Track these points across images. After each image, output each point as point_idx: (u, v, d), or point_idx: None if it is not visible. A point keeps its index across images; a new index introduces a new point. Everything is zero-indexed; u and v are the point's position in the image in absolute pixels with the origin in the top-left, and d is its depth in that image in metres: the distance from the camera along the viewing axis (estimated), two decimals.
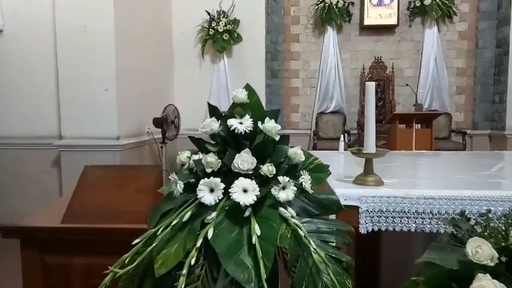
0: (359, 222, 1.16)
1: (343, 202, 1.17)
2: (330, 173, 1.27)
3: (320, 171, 1.24)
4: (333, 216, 1.17)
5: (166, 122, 4.21)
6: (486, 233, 0.89)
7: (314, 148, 5.51)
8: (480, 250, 0.84)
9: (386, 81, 5.88)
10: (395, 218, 1.16)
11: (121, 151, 3.61)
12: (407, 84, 5.27)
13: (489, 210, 1.01)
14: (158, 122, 4.12)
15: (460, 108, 6.05)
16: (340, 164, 1.38)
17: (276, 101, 6.05)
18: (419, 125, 4.58)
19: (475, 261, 0.84)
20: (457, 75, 6.04)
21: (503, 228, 0.90)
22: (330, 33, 5.90)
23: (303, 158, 1.12)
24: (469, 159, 2.25)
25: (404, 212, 1.15)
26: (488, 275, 0.80)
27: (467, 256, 0.86)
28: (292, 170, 1.12)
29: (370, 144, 1.29)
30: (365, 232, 1.16)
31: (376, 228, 1.16)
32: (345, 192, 1.17)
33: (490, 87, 5.90)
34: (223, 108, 6.22)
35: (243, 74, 5.56)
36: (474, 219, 1.00)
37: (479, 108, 5.94)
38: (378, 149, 1.31)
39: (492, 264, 0.83)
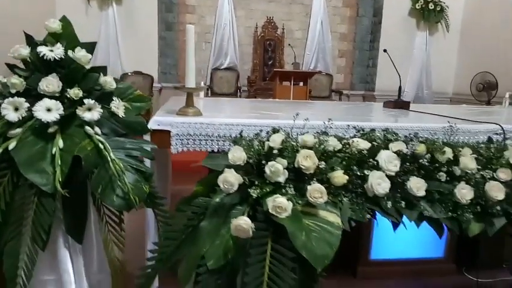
0: (171, 144, 1.37)
1: (156, 127, 1.36)
2: (151, 103, 1.45)
3: (141, 101, 1.41)
4: (148, 138, 1.36)
5: None
6: (245, 144, 1.16)
7: None
8: (236, 154, 1.11)
9: (276, 41, 6.20)
10: (201, 140, 1.40)
11: None
12: (289, 44, 5.64)
13: (260, 131, 1.29)
14: None
15: (340, 70, 6.71)
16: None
17: (171, 54, 6.01)
18: (302, 82, 5.02)
19: (231, 163, 1.10)
20: (339, 40, 6.63)
21: (262, 142, 1.17)
22: None
23: (114, 86, 1.26)
24: (317, 106, 2.64)
25: (209, 135, 1.39)
26: (232, 169, 1.06)
27: (229, 160, 1.11)
28: (106, 96, 1.26)
29: (190, 80, 1.49)
30: (176, 152, 1.37)
31: (185, 149, 1.39)
32: (159, 119, 1.36)
33: (366, 53, 6.62)
34: (113, 62, 5.78)
35: (134, 24, 5.39)
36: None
37: (356, 71, 6.66)
38: (197, 84, 1.52)
39: (242, 164, 1.10)
